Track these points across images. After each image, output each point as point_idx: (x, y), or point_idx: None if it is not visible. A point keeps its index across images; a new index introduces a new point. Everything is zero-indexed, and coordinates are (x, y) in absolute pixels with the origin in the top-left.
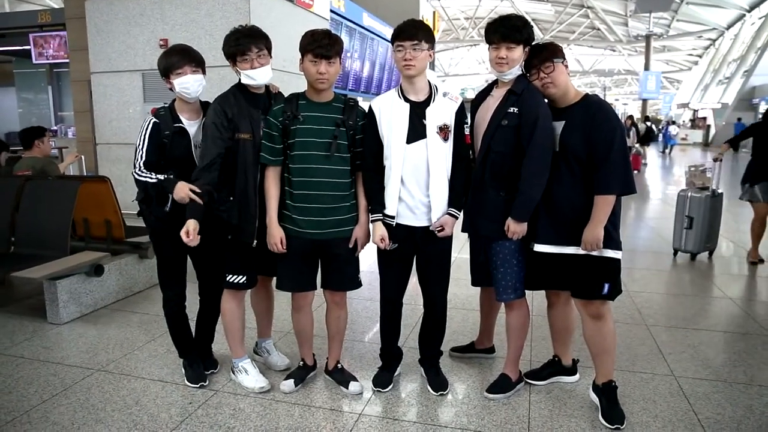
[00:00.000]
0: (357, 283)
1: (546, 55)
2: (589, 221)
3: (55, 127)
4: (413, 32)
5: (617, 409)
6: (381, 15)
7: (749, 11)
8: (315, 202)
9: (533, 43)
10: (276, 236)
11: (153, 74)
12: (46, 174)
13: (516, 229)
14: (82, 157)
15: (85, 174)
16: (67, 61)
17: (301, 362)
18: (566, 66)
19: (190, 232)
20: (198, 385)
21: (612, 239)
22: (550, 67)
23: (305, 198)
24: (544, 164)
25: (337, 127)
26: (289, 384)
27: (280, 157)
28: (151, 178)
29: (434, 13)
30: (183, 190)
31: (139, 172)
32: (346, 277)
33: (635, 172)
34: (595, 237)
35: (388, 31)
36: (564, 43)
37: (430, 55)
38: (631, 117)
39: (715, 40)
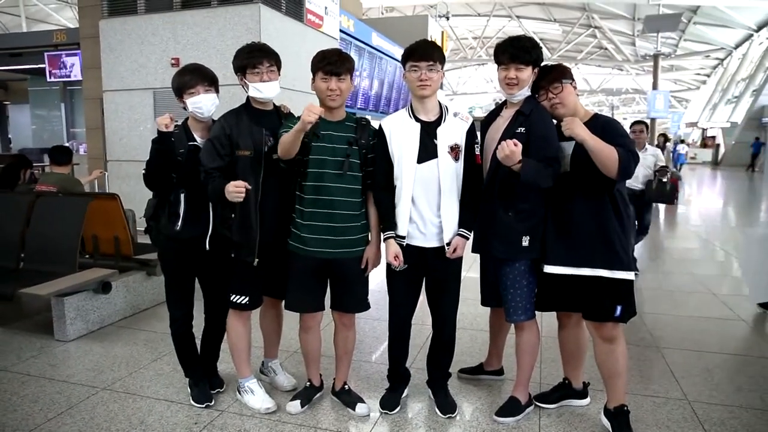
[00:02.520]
0: (366, 305)
1: (554, 75)
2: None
3: (67, 144)
4: (429, 53)
5: None
6: (390, 35)
7: (757, 31)
8: (326, 220)
9: (542, 64)
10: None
11: (164, 92)
12: (72, 192)
13: (508, 153)
14: (106, 173)
15: (107, 190)
16: (79, 79)
17: (308, 383)
18: (575, 87)
19: (241, 184)
20: (203, 405)
21: (622, 260)
22: (558, 88)
23: (316, 216)
24: (546, 175)
25: (349, 146)
26: (295, 405)
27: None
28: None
29: (443, 32)
30: (164, 119)
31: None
32: (355, 299)
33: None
34: (575, 124)
35: (396, 51)
36: (572, 62)
37: (442, 76)
38: (663, 135)
39: (723, 60)
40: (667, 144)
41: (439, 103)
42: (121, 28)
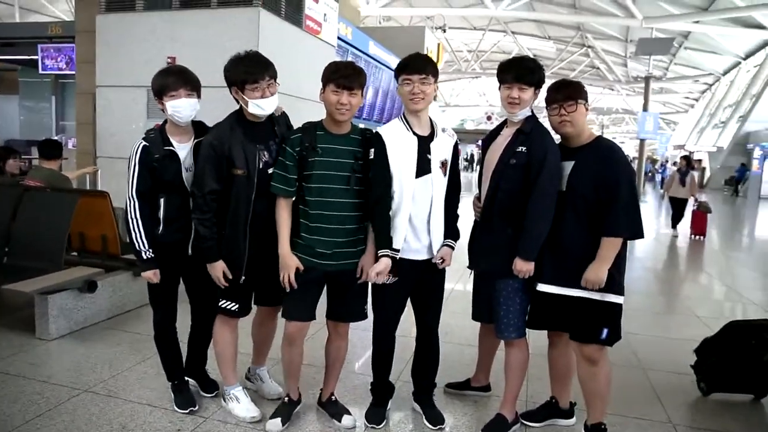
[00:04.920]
0: (364, 314)
1: (570, 93)
2: (594, 260)
3: (55, 137)
4: (421, 66)
5: None
6: (387, 44)
7: (744, 59)
8: (331, 234)
9: (560, 79)
10: (291, 266)
11: None
12: (58, 188)
13: (523, 267)
14: (99, 170)
15: (99, 187)
16: (72, 72)
17: (286, 398)
18: (587, 108)
19: (227, 272)
20: (187, 411)
21: (615, 283)
22: (572, 106)
23: (323, 231)
24: (549, 203)
25: (356, 160)
26: (275, 423)
27: (295, 187)
28: (144, 246)
29: (439, 44)
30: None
31: (133, 216)
32: (354, 309)
33: (700, 237)
34: (598, 277)
35: (393, 60)
36: None
37: (436, 89)
38: (686, 158)
39: (711, 85)
40: (692, 170)
41: (430, 118)
42: (118, 25)
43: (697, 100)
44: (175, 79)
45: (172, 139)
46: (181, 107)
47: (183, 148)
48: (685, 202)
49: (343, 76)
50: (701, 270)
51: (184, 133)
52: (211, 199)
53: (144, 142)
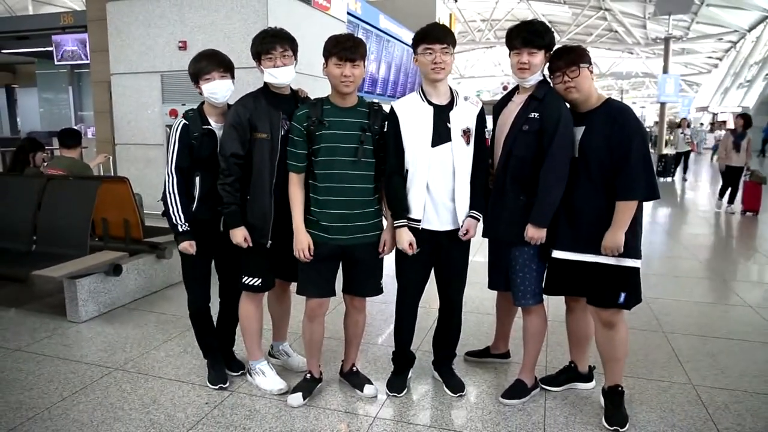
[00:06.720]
0: (379, 289)
1: (572, 58)
2: (611, 226)
3: (75, 127)
4: (443, 36)
5: (620, 412)
6: (398, 17)
7: None
8: (341, 207)
9: (561, 46)
10: (304, 242)
11: (171, 75)
12: (82, 176)
13: (535, 234)
14: (110, 157)
15: (112, 173)
16: (87, 62)
17: (308, 374)
18: (591, 71)
19: (247, 237)
20: (217, 387)
21: (631, 247)
22: (575, 72)
23: (331, 204)
24: (562, 170)
25: (363, 132)
26: (297, 397)
27: (305, 163)
28: (180, 219)
29: (451, 15)
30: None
31: (171, 191)
32: (369, 284)
33: (751, 213)
34: (616, 242)
35: (404, 33)
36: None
37: (453, 59)
38: (745, 116)
39: (735, 43)
40: (745, 132)
41: (450, 87)
42: (128, 11)
43: (720, 59)
44: (207, 62)
45: (209, 119)
46: (216, 89)
47: (220, 128)
48: (740, 171)
49: (344, 48)
50: None
51: (221, 114)
52: (233, 162)
53: (184, 121)
